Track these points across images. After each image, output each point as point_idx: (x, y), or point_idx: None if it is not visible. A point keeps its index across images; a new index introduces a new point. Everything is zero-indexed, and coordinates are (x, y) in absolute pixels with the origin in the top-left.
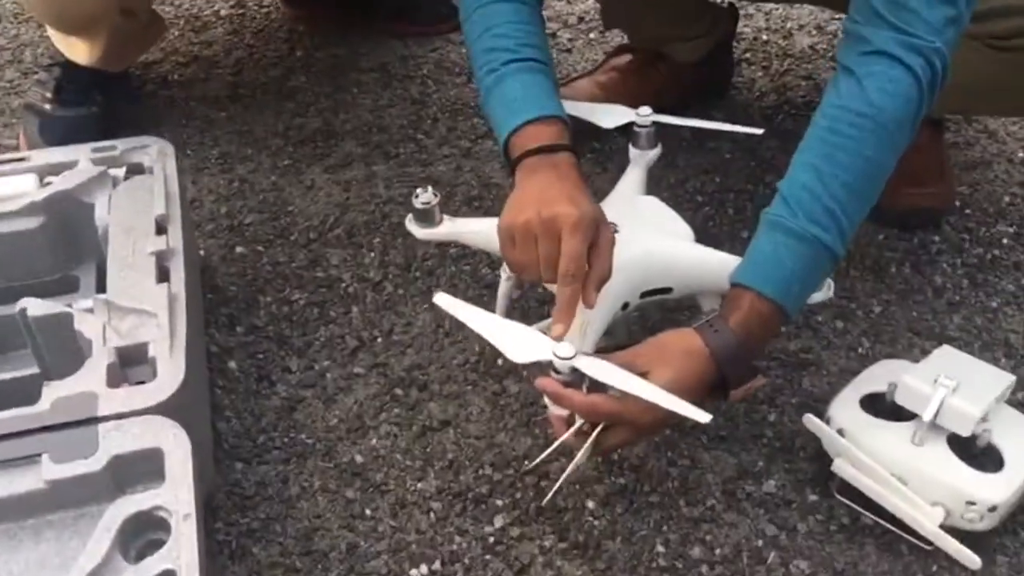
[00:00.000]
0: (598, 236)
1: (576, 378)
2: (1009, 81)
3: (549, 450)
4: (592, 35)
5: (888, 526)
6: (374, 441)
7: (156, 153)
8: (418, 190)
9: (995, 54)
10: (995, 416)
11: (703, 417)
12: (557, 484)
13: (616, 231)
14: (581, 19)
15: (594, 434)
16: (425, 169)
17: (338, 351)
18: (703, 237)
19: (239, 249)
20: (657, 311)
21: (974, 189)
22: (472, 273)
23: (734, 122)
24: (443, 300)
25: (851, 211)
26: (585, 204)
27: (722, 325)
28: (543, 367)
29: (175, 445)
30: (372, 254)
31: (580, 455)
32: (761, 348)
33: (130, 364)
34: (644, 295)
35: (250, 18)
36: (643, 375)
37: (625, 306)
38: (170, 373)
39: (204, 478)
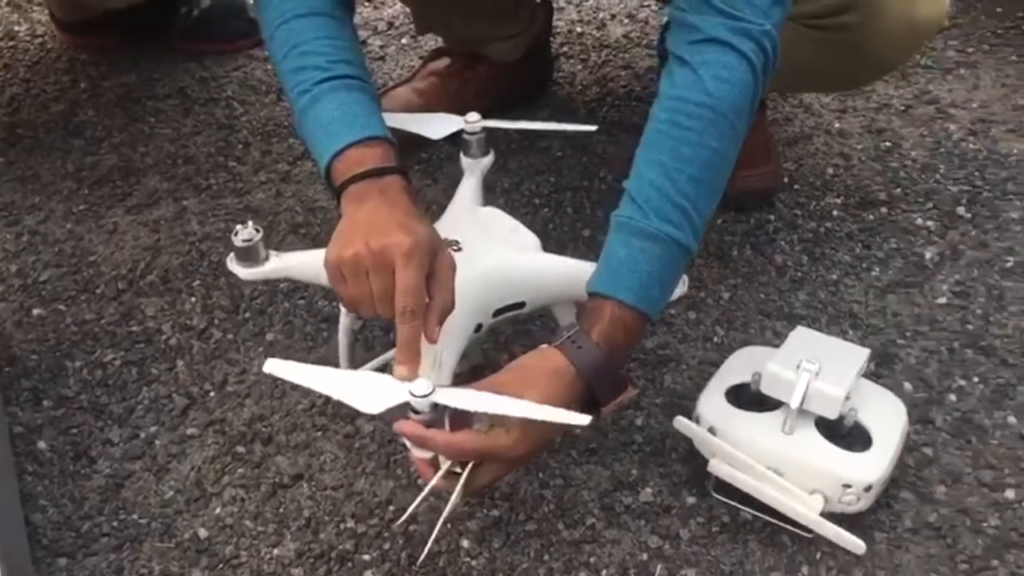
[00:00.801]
0: (436, 263)
1: (438, 415)
2: (826, 60)
3: (418, 499)
4: (404, 40)
5: (767, 519)
6: (218, 510)
7: None
8: (237, 226)
9: (811, 33)
10: (857, 393)
11: (582, 420)
12: (432, 538)
13: (458, 249)
14: (391, 24)
15: (464, 475)
16: (241, 199)
17: (166, 413)
18: (545, 241)
19: (37, 311)
20: (509, 325)
21: (799, 164)
22: (308, 307)
23: (559, 119)
24: (275, 367)
25: (701, 205)
26: (418, 230)
27: (585, 340)
28: (401, 409)
29: None
30: (193, 299)
31: (452, 500)
32: (626, 357)
33: None
34: (497, 313)
35: (22, 49)
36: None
37: (478, 328)
38: None
39: None
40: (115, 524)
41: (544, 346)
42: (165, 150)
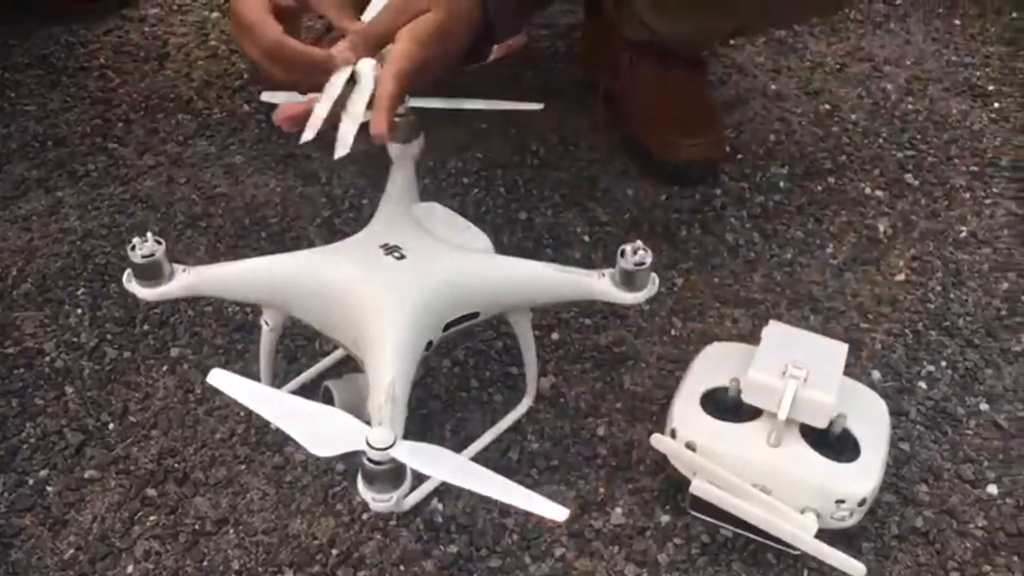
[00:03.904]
0: None
1: (396, 467)
2: None
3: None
4: None
5: (749, 535)
6: (130, 568)
7: None
8: (135, 239)
9: None
10: (840, 395)
11: (559, 515)
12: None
13: (401, 256)
14: None
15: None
16: (127, 187)
17: (57, 453)
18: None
19: None
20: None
21: (739, 131)
22: (217, 315)
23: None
24: (219, 378)
25: None
26: None
27: None
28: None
29: None
30: (79, 311)
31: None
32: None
33: None
34: (448, 327)
35: None
36: (423, 12)
37: (429, 345)
38: None
39: None
40: None
41: None
42: (31, 131)
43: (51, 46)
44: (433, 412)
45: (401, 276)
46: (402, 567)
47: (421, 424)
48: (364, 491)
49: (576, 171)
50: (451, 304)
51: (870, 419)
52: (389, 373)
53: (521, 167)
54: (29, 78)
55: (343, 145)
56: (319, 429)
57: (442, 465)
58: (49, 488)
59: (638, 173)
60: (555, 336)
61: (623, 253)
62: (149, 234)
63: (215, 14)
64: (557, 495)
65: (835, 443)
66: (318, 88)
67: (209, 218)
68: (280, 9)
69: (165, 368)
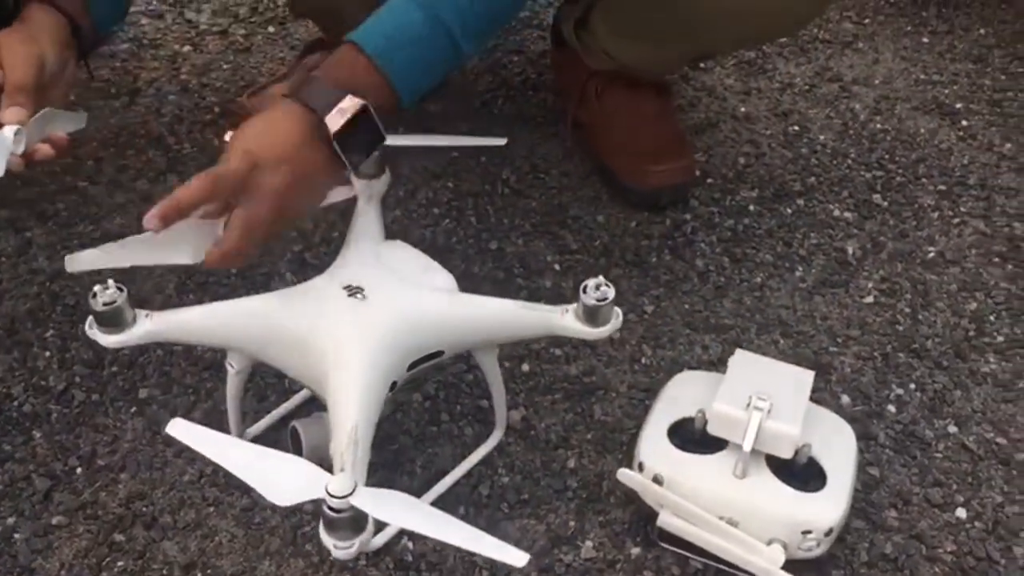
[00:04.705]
0: None
1: (357, 514)
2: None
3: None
4: (272, 28)
5: (718, 566)
6: None
7: None
8: (96, 287)
9: None
10: (806, 423)
11: (519, 560)
12: None
13: (363, 297)
14: (255, 10)
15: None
16: (97, 226)
17: (24, 499)
18: (450, 256)
19: None
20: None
21: (708, 155)
22: (186, 355)
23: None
24: (178, 430)
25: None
26: None
27: (315, 79)
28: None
29: None
30: (47, 353)
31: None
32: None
33: None
34: (412, 366)
35: None
36: (254, 169)
37: (393, 386)
38: None
39: None
40: None
41: (283, 97)
42: None
43: None
44: (403, 447)
45: (363, 317)
46: None
47: (391, 460)
48: (326, 538)
49: (547, 199)
50: (415, 344)
51: (837, 446)
52: (352, 417)
53: (492, 196)
54: None
55: None
56: (278, 477)
57: (402, 512)
58: (16, 535)
59: (608, 200)
60: (525, 367)
61: (585, 289)
62: (111, 281)
63: (186, 47)
64: (527, 529)
65: (801, 472)
66: None
67: None
68: None
69: (134, 410)
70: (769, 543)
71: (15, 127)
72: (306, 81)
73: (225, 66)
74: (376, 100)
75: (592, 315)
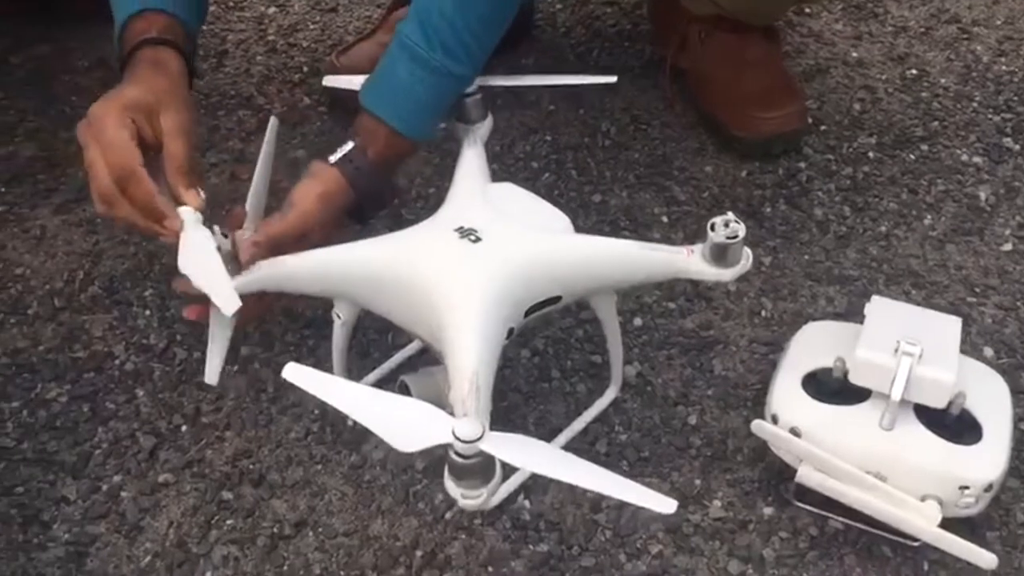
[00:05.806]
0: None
1: (486, 460)
2: None
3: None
4: None
5: (861, 526)
6: (209, 574)
7: None
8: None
9: None
10: (958, 374)
11: (667, 507)
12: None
13: (477, 239)
14: None
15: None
16: None
17: (130, 457)
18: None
19: None
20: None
21: (821, 101)
22: (285, 311)
23: (548, 67)
24: (294, 373)
25: (485, 42)
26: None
27: (362, 161)
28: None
29: None
30: (147, 312)
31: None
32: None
33: None
34: (528, 312)
35: None
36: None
37: (510, 333)
38: None
39: None
40: None
41: (320, 164)
42: None
43: (109, 47)
44: (514, 405)
45: (479, 260)
46: (490, 568)
47: (502, 417)
48: (452, 488)
49: (650, 150)
50: (533, 288)
51: (990, 398)
52: (472, 362)
53: (592, 148)
54: (90, 81)
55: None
56: (401, 422)
57: (536, 456)
58: (123, 494)
59: (716, 150)
60: (638, 322)
61: (713, 226)
62: (216, 227)
63: (272, 9)
64: (651, 488)
65: (953, 425)
66: (142, 229)
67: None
68: (140, 139)
69: (236, 367)
70: (923, 499)
71: (198, 214)
72: (361, 168)
73: (312, 26)
74: (406, 156)
75: (720, 254)
